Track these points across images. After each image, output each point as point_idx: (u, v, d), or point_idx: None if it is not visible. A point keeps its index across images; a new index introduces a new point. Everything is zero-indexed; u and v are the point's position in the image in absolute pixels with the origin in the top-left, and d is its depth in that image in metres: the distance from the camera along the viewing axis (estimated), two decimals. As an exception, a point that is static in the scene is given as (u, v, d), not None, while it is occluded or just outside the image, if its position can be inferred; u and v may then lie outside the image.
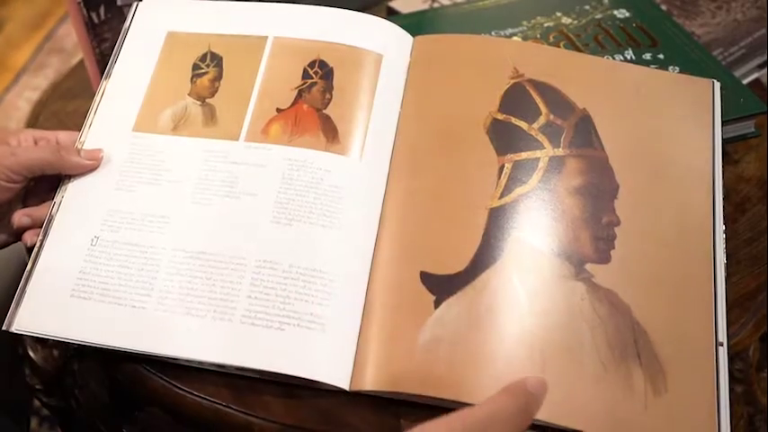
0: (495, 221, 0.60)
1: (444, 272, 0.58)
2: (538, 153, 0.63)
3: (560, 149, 0.63)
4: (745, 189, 0.74)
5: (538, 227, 0.59)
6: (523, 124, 0.64)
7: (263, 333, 0.56)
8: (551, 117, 0.64)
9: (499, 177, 0.62)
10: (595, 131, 0.64)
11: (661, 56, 0.77)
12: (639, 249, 0.59)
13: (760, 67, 0.84)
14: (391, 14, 0.92)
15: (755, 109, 0.72)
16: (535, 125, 0.64)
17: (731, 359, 0.56)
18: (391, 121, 0.66)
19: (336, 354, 0.55)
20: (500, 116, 0.65)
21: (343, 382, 0.54)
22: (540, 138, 0.64)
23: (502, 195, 0.61)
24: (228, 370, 0.57)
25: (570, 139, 0.63)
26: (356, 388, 0.54)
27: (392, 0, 0.93)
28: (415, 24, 0.83)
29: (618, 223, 0.60)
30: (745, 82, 0.81)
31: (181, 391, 0.58)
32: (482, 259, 0.58)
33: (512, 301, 0.56)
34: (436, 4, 0.91)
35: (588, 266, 0.58)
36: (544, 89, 0.66)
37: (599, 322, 0.55)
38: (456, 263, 0.58)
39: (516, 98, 0.66)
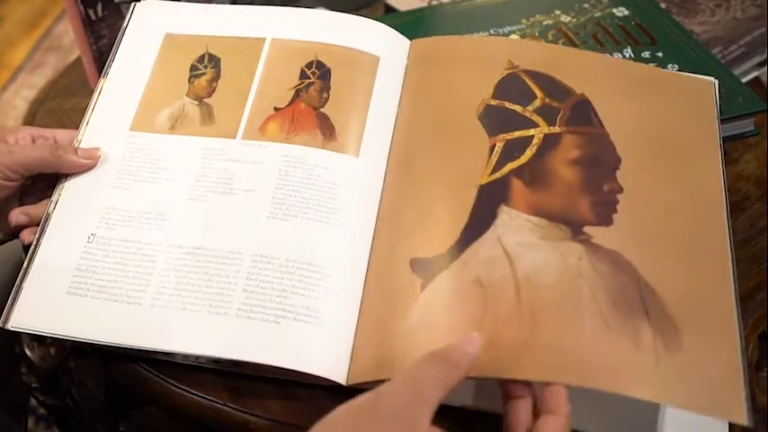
0: (484, 197, 0.59)
1: (432, 254, 0.57)
2: (532, 131, 0.62)
3: (556, 127, 0.62)
4: (744, 188, 0.74)
5: (529, 196, 0.58)
6: (517, 108, 0.63)
7: (259, 326, 0.56)
8: (547, 100, 0.63)
9: (490, 156, 0.61)
10: (595, 112, 0.63)
11: (660, 54, 0.77)
12: (646, 214, 0.57)
13: (759, 65, 0.84)
14: (389, 12, 0.92)
15: (754, 107, 0.72)
16: (530, 107, 0.63)
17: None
18: (388, 120, 0.66)
19: (333, 348, 0.55)
20: (493, 102, 0.64)
21: (340, 377, 0.54)
22: (535, 118, 0.62)
23: (492, 172, 0.60)
24: (225, 366, 0.57)
25: (567, 118, 0.62)
26: (353, 382, 0.54)
27: (390, -2, 0.93)
28: (412, 22, 0.83)
29: (620, 191, 0.58)
30: (744, 80, 0.81)
31: (179, 390, 0.58)
32: (469, 234, 0.57)
33: (499, 267, 0.55)
34: (434, 2, 0.91)
35: (587, 229, 0.57)
36: (540, 77, 0.65)
37: (600, 280, 0.54)
38: (443, 243, 0.57)
39: (510, 86, 0.65)
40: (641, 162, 0.60)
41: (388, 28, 0.71)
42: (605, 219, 0.57)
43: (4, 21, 2.09)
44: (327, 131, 0.64)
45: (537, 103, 0.63)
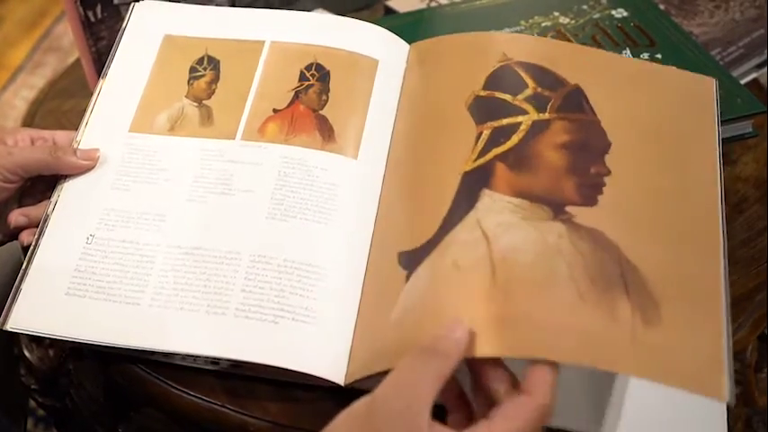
0: (467, 183, 0.58)
1: (416, 245, 0.56)
2: (520, 118, 0.60)
3: (546, 114, 0.61)
4: (742, 189, 0.74)
5: (512, 179, 0.57)
6: (507, 97, 0.62)
7: (257, 326, 0.56)
8: (539, 89, 0.62)
9: (476, 144, 0.60)
10: (587, 100, 0.62)
11: (659, 56, 0.77)
12: (633, 197, 0.57)
13: (758, 67, 0.84)
14: (388, 13, 0.92)
15: (753, 109, 0.72)
16: (520, 96, 0.62)
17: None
18: (387, 122, 0.66)
19: (331, 348, 0.55)
20: (483, 93, 0.63)
21: (338, 377, 0.54)
22: (525, 106, 0.61)
23: (477, 159, 0.59)
24: (223, 367, 0.58)
25: (558, 105, 0.61)
26: (350, 381, 0.54)
27: (389, -1, 0.93)
28: (411, 24, 0.83)
29: (607, 173, 0.57)
30: (743, 82, 0.81)
31: (177, 392, 0.58)
32: (450, 221, 0.56)
33: (476, 249, 0.54)
34: (433, 4, 0.91)
35: (569, 208, 0.56)
36: (533, 69, 0.64)
37: (579, 258, 0.53)
38: (426, 233, 0.56)
39: (502, 76, 0.64)
40: (632, 148, 0.59)
41: (387, 32, 0.71)
42: (590, 199, 0.56)
43: (3, 21, 2.09)
44: (326, 133, 0.64)
45: (528, 92, 0.62)
